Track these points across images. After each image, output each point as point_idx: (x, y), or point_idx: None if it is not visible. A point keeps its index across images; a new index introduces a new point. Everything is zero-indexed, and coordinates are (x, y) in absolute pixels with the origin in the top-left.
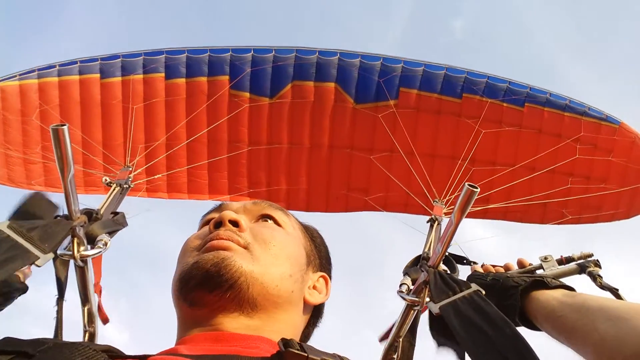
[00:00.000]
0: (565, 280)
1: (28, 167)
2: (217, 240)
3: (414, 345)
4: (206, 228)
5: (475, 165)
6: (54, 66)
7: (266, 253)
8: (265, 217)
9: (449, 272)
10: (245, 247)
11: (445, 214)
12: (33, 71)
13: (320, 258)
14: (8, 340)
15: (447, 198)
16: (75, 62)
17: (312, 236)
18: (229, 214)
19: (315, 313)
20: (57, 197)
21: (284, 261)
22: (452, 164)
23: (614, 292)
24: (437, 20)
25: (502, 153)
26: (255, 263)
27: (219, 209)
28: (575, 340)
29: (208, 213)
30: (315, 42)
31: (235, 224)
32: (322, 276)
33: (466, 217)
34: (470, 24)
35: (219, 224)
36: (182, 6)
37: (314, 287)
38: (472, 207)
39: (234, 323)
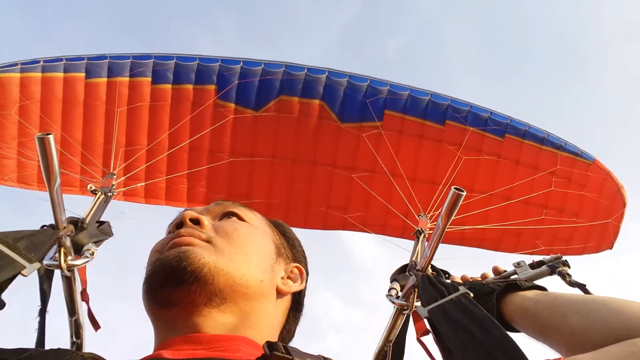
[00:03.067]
0: (539, 282)
1: (1, 162)
2: (179, 238)
3: (404, 350)
4: (169, 235)
5: None
6: (38, 61)
7: (229, 244)
8: (229, 214)
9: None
10: (208, 241)
11: (430, 228)
12: (16, 64)
13: (293, 251)
14: None
15: (431, 214)
16: (61, 60)
17: (283, 231)
18: (189, 213)
19: (294, 305)
20: (26, 193)
21: (249, 250)
22: (432, 188)
23: (582, 287)
24: (375, 35)
25: (480, 181)
26: (218, 254)
27: (181, 214)
28: (549, 336)
29: (172, 222)
30: (250, 23)
31: (196, 221)
32: (296, 267)
33: (444, 242)
34: (403, 46)
35: (180, 225)
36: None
37: (289, 278)
38: (449, 228)
39: (208, 321)
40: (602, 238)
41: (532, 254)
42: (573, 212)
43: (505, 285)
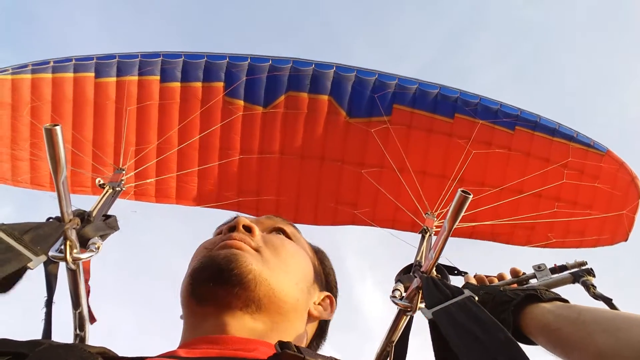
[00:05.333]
0: (559, 290)
1: (15, 164)
2: (231, 240)
3: (406, 351)
4: (219, 235)
5: (463, 185)
6: (49, 62)
7: (276, 258)
8: (278, 230)
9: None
10: (257, 250)
11: (437, 226)
12: (26, 66)
13: (327, 280)
14: (5, 341)
15: (438, 211)
16: (71, 60)
17: (323, 258)
18: (243, 220)
19: (319, 332)
20: (42, 195)
21: (292, 269)
22: (441, 182)
23: (608, 302)
24: None
25: (490, 174)
26: (264, 264)
27: (233, 219)
28: (572, 354)
29: (222, 224)
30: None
31: (248, 229)
32: (327, 296)
33: (454, 236)
34: None
35: (232, 229)
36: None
37: (320, 304)
38: (459, 224)
39: (237, 324)
40: (616, 230)
41: (544, 247)
42: (586, 204)
43: (524, 296)
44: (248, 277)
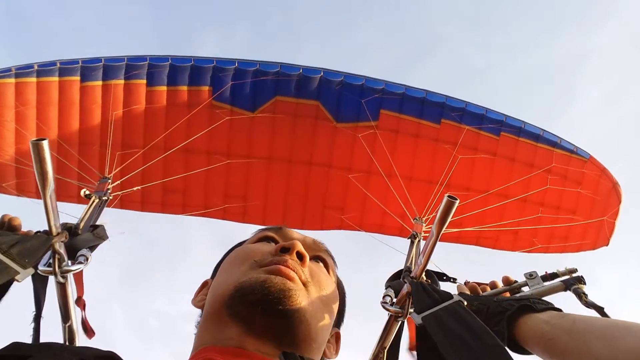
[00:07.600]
0: (551, 298)
1: (0, 169)
2: (285, 267)
3: (398, 356)
4: (266, 245)
5: (450, 190)
6: (32, 66)
7: (318, 297)
8: (320, 258)
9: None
10: (304, 284)
11: (425, 231)
12: (10, 70)
13: (341, 317)
14: (16, 345)
15: (426, 217)
16: (55, 64)
17: (343, 295)
18: (299, 246)
19: None
20: (26, 202)
21: (328, 310)
22: (428, 187)
23: (600, 310)
24: None
25: (476, 179)
26: (309, 304)
27: (280, 232)
28: None
29: (267, 229)
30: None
31: (300, 257)
32: (336, 332)
33: (440, 240)
34: None
35: (285, 250)
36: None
37: (329, 341)
38: (445, 229)
39: (261, 347)
40: (598, 235)
41: (529, 252)
42: (569, 209)
43: (518, 307)
44: (295, 314)
